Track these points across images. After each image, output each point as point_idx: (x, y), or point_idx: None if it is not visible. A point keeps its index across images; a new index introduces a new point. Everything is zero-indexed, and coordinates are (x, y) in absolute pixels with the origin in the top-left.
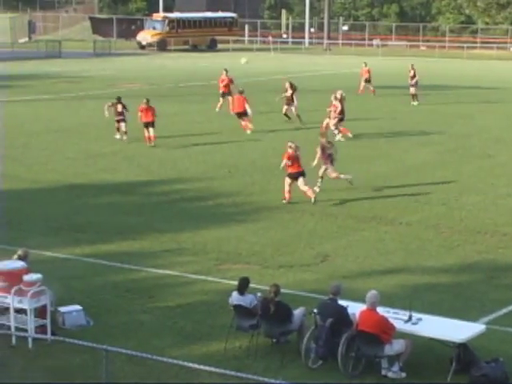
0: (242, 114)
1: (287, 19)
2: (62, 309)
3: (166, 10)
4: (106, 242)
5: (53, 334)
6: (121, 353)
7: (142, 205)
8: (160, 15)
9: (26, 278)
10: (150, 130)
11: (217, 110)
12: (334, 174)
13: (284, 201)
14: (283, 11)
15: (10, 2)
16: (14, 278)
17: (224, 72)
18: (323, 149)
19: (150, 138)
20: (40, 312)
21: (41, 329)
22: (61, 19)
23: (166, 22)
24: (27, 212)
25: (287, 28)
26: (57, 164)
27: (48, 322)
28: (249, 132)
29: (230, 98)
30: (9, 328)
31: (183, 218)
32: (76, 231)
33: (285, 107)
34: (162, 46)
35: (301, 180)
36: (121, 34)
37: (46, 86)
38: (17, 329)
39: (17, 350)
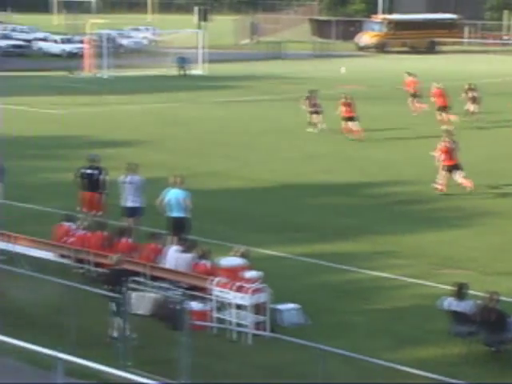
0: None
1: (510, 20)
2: (281, 307)
3: (385, 11)
4: (322, 242)
5: (271, 330)
6: (337, 353)
7: (359, 206)
8: (379, 17)
9: (248, 274)
10: (351, 123)
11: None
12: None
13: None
14: (505, 12)
15: (234, 6)
16: (234, 274)
17: (406, 74)
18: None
19: (351, 130)
20: (259, 309)
21: (259, 325)
22: (282, 21)
23: (385, 23)
24: (247, 210)
25: (509, 30)
26: (276, 164)
27: (267, 318)
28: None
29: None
30: (230, 323)
31: (399, 220)
32: (294, 230)
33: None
34: (380, 47)
35: (458, 172)
36: (340, 36)
37: (267, 87)
38: (237, 324)
39: (236, 345)
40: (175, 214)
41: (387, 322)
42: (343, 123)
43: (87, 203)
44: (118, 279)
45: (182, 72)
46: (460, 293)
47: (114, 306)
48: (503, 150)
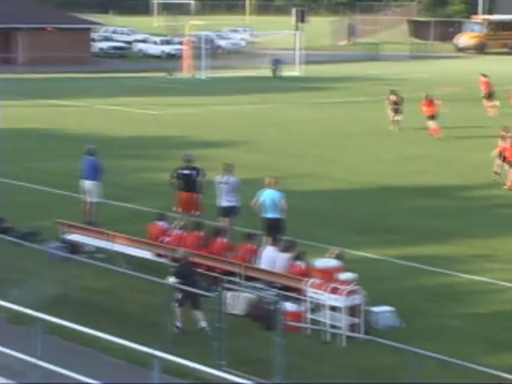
0: None
1: None
2: (375, 309)
3: (485, 11)
4: (416, 244)
5: (365, 333)
6: (431, 357)
7: (454, 209)
8: (479, 17)
9: (342, 276)
10: (431, 122)
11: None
12: None
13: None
14: None
15: (332, 7)
16: (329, 275)
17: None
18: None
19: (434, 130)
20: (353, 311)
21: (353, 327)
22: (379, 22)
23: (486, 24)
24: (341, 212)
25: None
26: (371, 166)
27: (361, 320)
28: None
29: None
30: (323, 324)
31: (495, 224)
32: (388, 233)
33: None
34: (480, 48)
35: None
36: (438, 37)
37: (363, 88)
38: (331, 326)
39: (330, 347)
40: (270, 214)
41: (483, 326)
42: (428, 123)
43: (184, 203)
44: (184, 273)
45: (276, 73)
46: None
47: (179, 296)
48: None
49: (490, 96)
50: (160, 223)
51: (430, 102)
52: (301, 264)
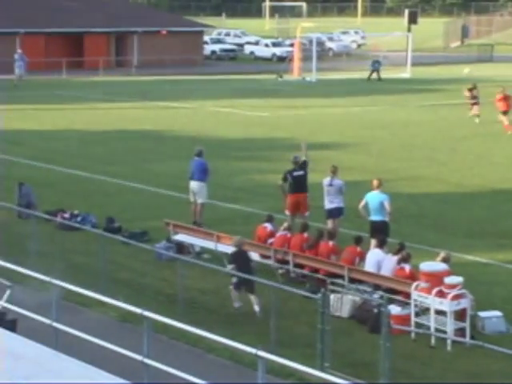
0: None
1: None
2: (482, 314)
3: None
4: None
5: (472, 338)
6: None
7: None
8: None
9: (448, 280)
10: (504, 117)
11: None
12: None
13: None
14: None
15: (445, 8)
16: (436, 279)
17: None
18: None
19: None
20: (460, 315)
21: (460, 332)
22: (494, 23)
23: None
24: (451, 215)
25: None
26: (482, 169)
27: (467, 325)
28: None
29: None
30: (429, 328)
31: None
32: (500, 237)
33: None
34: None
35: None
36: None
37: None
38: (436, 330)
39: (436, 351)
40: (375, 217)
41: None
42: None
43: (295, 205)
44: (239, 260)
45: (375, 76)
46: None
47: (235, 280)
48: None
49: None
50: (268, 225)
51: (505, 97)
52: (406, 267)
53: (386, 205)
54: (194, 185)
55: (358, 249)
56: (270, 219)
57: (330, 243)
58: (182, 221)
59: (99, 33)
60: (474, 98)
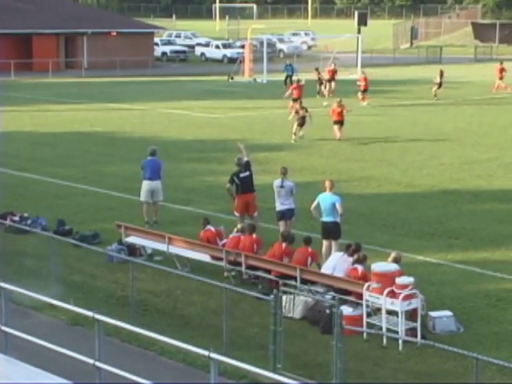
0: None
1: None
2: (433, 313)
3: None
4: (478, 249)
5: (423, 337)
6: (492, 363)
7: None
8: None
9: (399, 280)
10: None
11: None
12: None
13: None
14: None
15: (395, 10)
16: (387, 279)
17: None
18: None
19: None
20: (411, 315)
21: (411, 332)
22: (443, 25)
23: None
24: (401, 216)
25: None
26: (432, 169)
27: (418, 325)
28: None
29: None
30: (380, 328)
31: None
32: (449, 237)
33: None
34: None
35: None
36: (503, 40)
37: (424, 92)
38: (388, 330)
39: (387, 351)
40: (326, 218)
41: None
42: None
43: (244, 206)
44: None
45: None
46: None
47: None
48: None
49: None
50: (211, 227)
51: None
52: (359, 267)
53: (338, 206)
54: (152, 184)
55: (309, 249)
56: (207, 222)
57: (283, 245)
58: (134, 223)
59: (48, 34)
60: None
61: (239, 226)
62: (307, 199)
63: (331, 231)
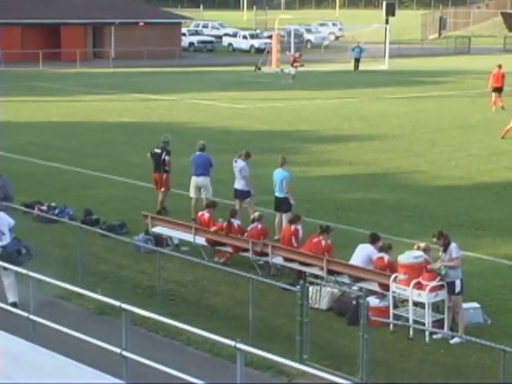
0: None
1: None
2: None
3: None
4: (506, 241)
5: (450, 329)
6: None
7: None
8: None
9: (427, 272)
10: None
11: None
12: None
13: None
14: None
15: (423, 0)
16: (414, 271)
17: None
18: None
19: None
20: (438, 306)
21: (438, 323)
22: (472, 15)
23: None
24: (429, 207)
25: None
26: (460, 160)
27: (445, 317)
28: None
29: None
30: (407, 320)
31: None
32: (476, 228)
33: None
34: None
35: None
36: None
37: (453, 82)
38: (415, 321)
39: (414, 343)
40: (277, 193)
41: None
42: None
43: (155, 182)
44: None
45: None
46: None
47: None
48: None
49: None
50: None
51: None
52: (385, 256)
53: (284, 183)
54: (197, 180)
55: (292, 227)
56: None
57: (259, 226)
58: (163, 214)
59: (76, 24)
60: None
61: (257, 214)
62: (334, 190)
63: (280, 205)
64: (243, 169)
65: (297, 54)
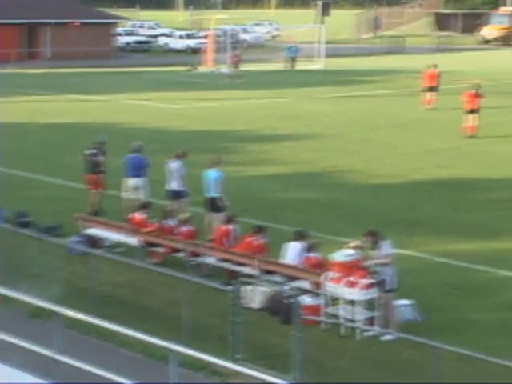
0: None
1: None
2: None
3: None
4: (438, 238)
5: (383, 326)
6: (449, 350)
7: (478, 202)
8: (508, 9)
9: (360, 270)
10: (472, 116)
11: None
12: None
13: None
14: None
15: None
16: (346, 269)
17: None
18: None
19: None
20: (371, 304)
21: (371, 321)
22: (405, 15)
23: None
24: (363, 205)
25: None
26: (394, 159)
27: (376, 314)
28: None
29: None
30: (341, 318)
31: None
32: (410, 226)
33: None
34: (507, 40)
35: None
36: (465, 29)
37: (387, 82)
38: (347, 319)
39: (346, 340)
40: (210, 193)
41: (507, 320)
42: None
43: (91, 183)
44: None
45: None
46: None
47: None
48: None
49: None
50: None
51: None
52: (312, 254)
53: (218, 183)
54: (135, 181)
55: (226, 227)
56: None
57: (190, 227)
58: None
59: (10, 24)
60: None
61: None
62: (270, 189)
63: (213, 205)
64: (180, 169)
65: (237, 52)
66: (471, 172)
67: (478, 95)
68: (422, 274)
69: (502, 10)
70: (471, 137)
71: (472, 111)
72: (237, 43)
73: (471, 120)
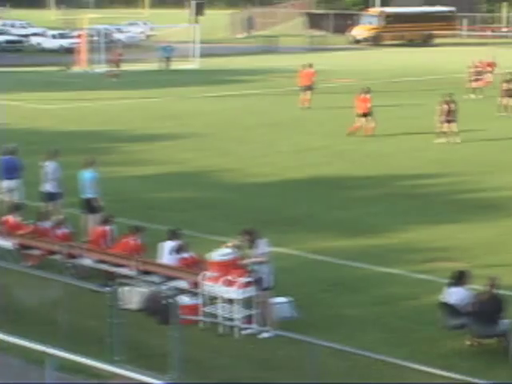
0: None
1: (509, 12)
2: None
3: (382, 4)
4: (314, 235)
5: (261, 324)
6: (325, 346)
7: (353, 199)
8: (377, 10)
9: (238, 268)
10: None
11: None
12: None
13: None
14: (504, 4)
15: (230, 0)
16: (224, 268)
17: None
18: None
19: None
20: (250, 302)
21: (250, 319)
22: (278, 15)
23: (382, 16)
24: (238, 204)
25: (508, 22)
26: (269, 157)
27: (254, 312)
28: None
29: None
30: (219, 317)
31: (391, 213)
32: (285, 224)
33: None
34: (377, 40)
35: None
36: (337, 29)
37: (261, 81)
38: (226, 318)
39: (225, 339)
40: (84, 195)
41: (378, 314)
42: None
43: None
44: None
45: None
46: (460, 280)
47: None
48: None
49: (310, 88)
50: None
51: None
52: (191, 255)
53: (92, 183)
54: (12, 183)
55: (103, 228)
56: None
57: (65, 229)
58: None
59: None
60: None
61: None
62: (146, 189)
63: (88, 206)
64: (55, 170)
65: (120, 51)
66: (344, 170)
67: (366, 99)
68: (299, 271)
69: (371, 10)
70: (367, 136)
71: (364, 115)
72: (111, 43)
73: (365, 122)
